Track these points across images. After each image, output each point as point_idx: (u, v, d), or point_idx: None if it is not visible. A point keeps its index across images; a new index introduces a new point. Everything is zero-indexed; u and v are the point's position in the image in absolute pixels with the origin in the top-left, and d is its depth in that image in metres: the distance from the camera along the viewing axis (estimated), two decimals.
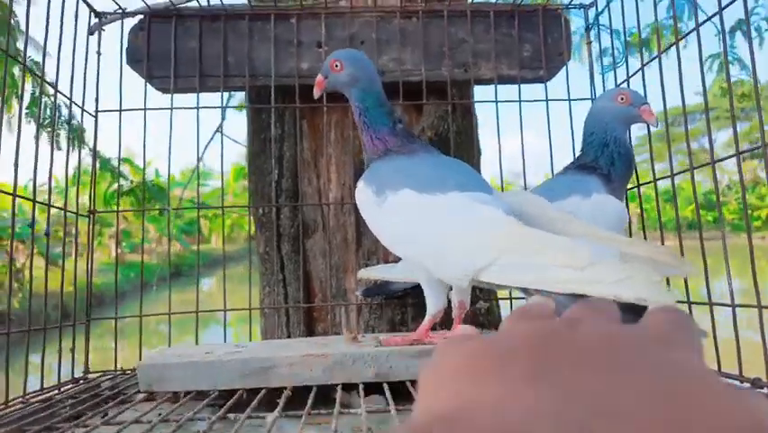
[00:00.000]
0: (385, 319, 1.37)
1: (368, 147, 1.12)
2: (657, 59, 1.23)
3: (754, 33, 3.26)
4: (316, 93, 1.18)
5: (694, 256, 1.08)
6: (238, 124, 1.56)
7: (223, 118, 2.08)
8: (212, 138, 2.34)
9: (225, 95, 1.52)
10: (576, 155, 1.28)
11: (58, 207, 1.26)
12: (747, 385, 0.93)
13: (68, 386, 1.20)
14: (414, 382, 0.97)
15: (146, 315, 1.34)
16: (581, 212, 1.09)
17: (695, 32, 1.13)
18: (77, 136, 2.40)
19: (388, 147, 1.09)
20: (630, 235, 1.38)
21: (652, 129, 1.26)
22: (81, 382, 1.25)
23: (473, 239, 0.87)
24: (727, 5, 1.00)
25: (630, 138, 1.29)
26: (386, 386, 0.96)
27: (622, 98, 1.19)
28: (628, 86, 1.32)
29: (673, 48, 1.18)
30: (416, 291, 1.26)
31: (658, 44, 1.32)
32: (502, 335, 0.27)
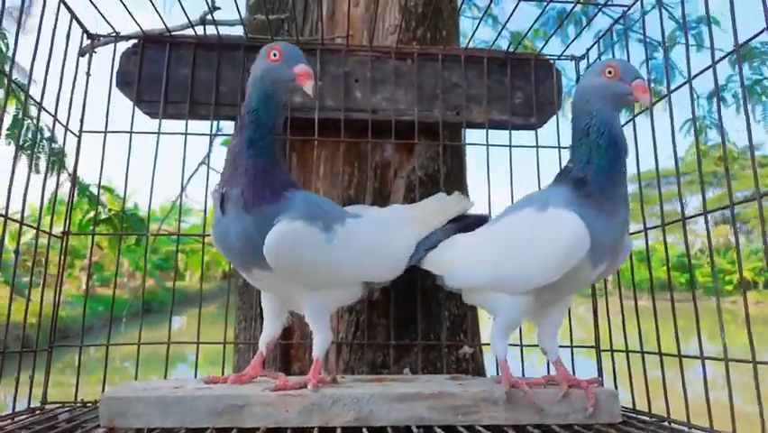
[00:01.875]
0: (365, 361, 1.32)
1: (267, 181, 0.98)
2: (646, 112, 1.24)
3: (731, 100, 3.41)
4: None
5: (667, 315, 1.09)
6: (224, 157, 1.54)
7: (210, 151, 2.05)
8: (196, 170, 2.30)
9: (215, 124, 1.49)
10: None
11: (31, 226, 1.20)
12: None
13: (23, 416, 1.12)
14: (396, 429, 0.92)
15: (113, 344, 1.27)
16: (530, 226, 0.99)
17: (682, 95, 1.16)
18: (57, 160, 2.34)
19: (287, 181, 1.03)
20: (606, 294, 1.38)
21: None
22: (37, 412, 1.17)
23: (405, 228, 1.18)
24: (696, 76, 1.03)
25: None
26: (365, 431, 0.91)
27: (610, 71, 0.97)
28: None
29: (656, 108, 1.22)
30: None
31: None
32: None
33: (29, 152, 2.38)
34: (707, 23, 1.15)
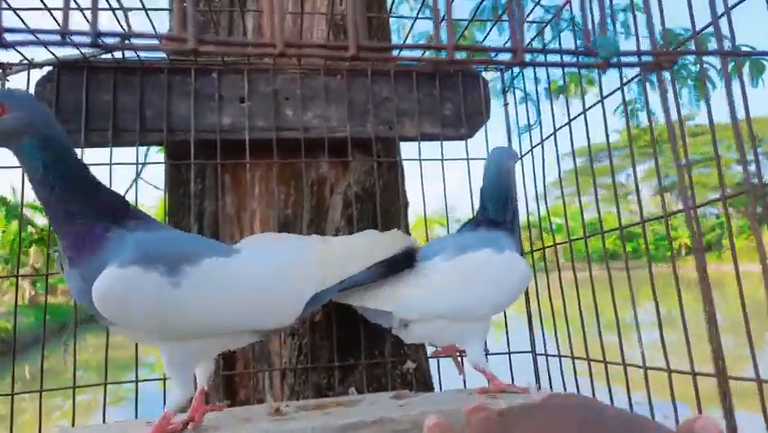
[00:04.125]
0: (311, 384, 1.32)
1: (73, 229, 0.85)
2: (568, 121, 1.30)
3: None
4: None
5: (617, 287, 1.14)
6: (158, 172, 1.52)
7: (138, 175, 1.89)
8: (129, 188, 2.20)
9: (142, 149, 1.45)
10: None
11: None
12: None
13: None
14: None
15: (46, 390, 1.23)
16: (493, 265, 1.15)
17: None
18: None
19: (110, 216, 0.88)
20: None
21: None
22: None
23: (300, 272, 1.02)
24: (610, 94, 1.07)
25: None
26: None
27: (515, 161, 1.30)
28: (542, 146, 1.40)
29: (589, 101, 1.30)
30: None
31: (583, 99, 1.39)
32: None
33: None
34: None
